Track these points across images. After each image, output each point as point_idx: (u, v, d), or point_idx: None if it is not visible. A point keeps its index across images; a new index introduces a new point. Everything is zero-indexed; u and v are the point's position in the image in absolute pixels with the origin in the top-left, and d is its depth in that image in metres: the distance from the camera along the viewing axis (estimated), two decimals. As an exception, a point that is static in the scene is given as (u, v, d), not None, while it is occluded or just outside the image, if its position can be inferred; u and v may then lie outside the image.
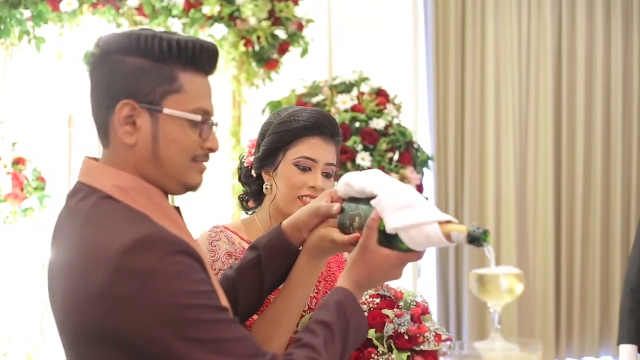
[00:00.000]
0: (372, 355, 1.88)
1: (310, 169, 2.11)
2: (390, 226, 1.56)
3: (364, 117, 4.60)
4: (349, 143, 4.48)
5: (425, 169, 4.86)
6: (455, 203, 5.88)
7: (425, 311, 1.97)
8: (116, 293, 1.39)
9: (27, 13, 4.58)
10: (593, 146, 6.11)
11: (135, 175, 1.53)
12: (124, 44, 1.52)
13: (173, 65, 1.51)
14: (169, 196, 1.60)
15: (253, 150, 2.23)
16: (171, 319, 1.38)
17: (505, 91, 5.96)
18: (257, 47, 4.78)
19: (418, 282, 5.79)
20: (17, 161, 4.60)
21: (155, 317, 1.38)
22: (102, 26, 4.64)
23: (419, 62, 5.89)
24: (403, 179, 4.51)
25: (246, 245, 2.10)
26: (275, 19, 4.79)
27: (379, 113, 4.65)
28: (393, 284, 1.88)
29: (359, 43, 5.67)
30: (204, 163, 1.58)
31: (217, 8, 4.64)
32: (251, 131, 4.60)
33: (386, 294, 1.98)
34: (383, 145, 4.55)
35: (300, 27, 4.91)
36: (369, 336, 1.87)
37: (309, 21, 4.96)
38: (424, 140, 5.75)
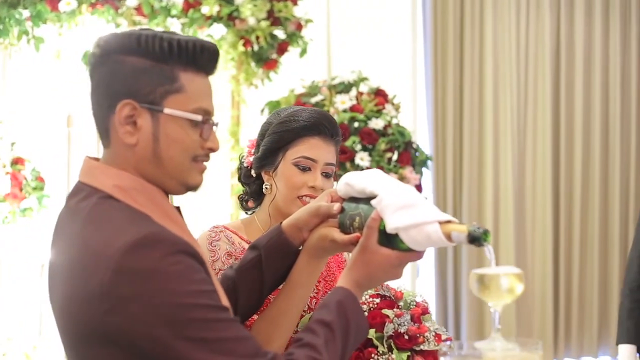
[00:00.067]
0: (372, 355, 1.88)
1: (310, 169, 2.11)
2: (390, 226, 1.56)
3: (363, 117, 4.60)
4: (348, 143, 4.48)
5: (424, 169, 4.87)
6: (454, 203, 5.89)
7: (425, 311, 1.97)
8: (117, 293, 1.39)
9: (26, 13, 4.58)
10: (591, 147, 6.11)
11: (136, 175, 1.53)
12: (125, 44, 1.52)
13: (174, 65, 1.51)
14: (169, 196, 1.60)
15: (253, 150, 2.23)
16: (172, 319, 1.38)
17: (503, 92, 5.96)
18: (256, 47, 4.78)
19: (417, 282, 5.79)
20: (16, 161, 4.60)
21: (156, 317, 1.38)
22: (101, 26, 4.64)
23: (418, 62, 5.89)
24: (402, 179, 4.52)
25: (246, 245, 2.11)
26: (274, 19, 4.79)
27: (378, 113, 4.65)
28: (393, 283, 1.89)
29: (357, 43, 5.67)
30: (205, 163, 1.58)
31: (216, 8, 4.64)
32: (250, 131, 4.60)
33: (386, 294, 1.98)
34: (382, 145, 4.56)
35: (299, 27, 4.91)
36: (369, 336, 1.87)
37: (308, 21, 4.96)
38: (423, 140, 5.75)
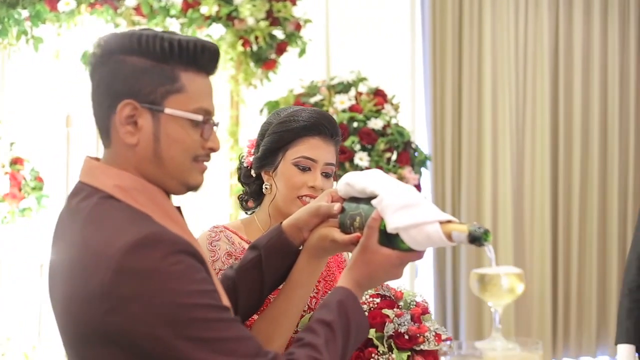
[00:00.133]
0: (373, 355, 1.88)
1: (309, 169, 2.12)
2: (391, 226, 1.56)
3: (362, 117, 4.61)
4: (347, 143, 4.49)
5: (422, 169, 4.87)
6: (453, 203, 5.89)
7: (425, 311, 1.97)
8: (118, 293, 1.39)
9: (25, 13, 4.58)
10: (590, 146, 6.12)
11: (136, 175, 1.53)
12: (125, 44, 1.51)
13: (174, 65, 1.51)
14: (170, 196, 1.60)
15: (252, 150, 2.23)
16: (173, 319, 1.38)
17: (502, 91, 5.97)
18: (255, 47, 4.78)
19: (415, 282, 5.79)
20: (15, 161, 4.61)
21: (157, 317, 1.38)
22: (100, 26, 4.65)
23: (417, 62, 5.89)
24: (401, 179, 4.52)
25: (246, 245, 2.11)
26: (273, 19, 4.79)
27: (377, 113, 4.65)
28: (392, 283, 1.89)
29: (356, 43, 5.68)
30: (205, 163, 1.58)
31: (215, 8, 4.64)
32: (249, 131, 4.61)
33: (386, 293, 1.98)
34: (381, 145, 4.56)
35: (298, 27, 4.91)
36: (370, 336, 1.87)
37: (306, 21, 4.96)
38: (421, 140, 5.75)
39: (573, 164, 6.09)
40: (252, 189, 2.24)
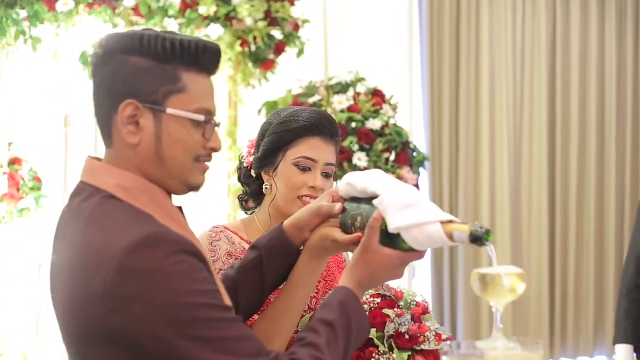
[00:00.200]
0: (373, 354, 1.88)
1: (310, 169, 2.12)
2: (392, 226, 1.57)
3: (360, 118, 4.61)
4: (346, 143, 4.49)
5: (420, 169, 4.87)
6: (450, 203, 5.89)
7: (425, 311, 1.97)
8: (120, 293, 1.39)
9: (23, 13, 4.58)
10: (587, 146, 6.13)
11: (138, 175, 1.53)
12: (127, 43, 1.51)
13: (176, 65, 1.51)
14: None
15: (252, 150, 2.23)
16: (175, 318, 1.38)
17: (499, 91, 5.97)
18: (253, 47, 4.78)
19: (413, 282, 5.80)
20: (13, 161, 4.61)
21: (159, 317, 1.38)
22: (98, 26, 4.65)
23: (414, 62, 5.90)
24: (399, 179, 4.52)
25: (246, 245, 2.11)
26: (271, 19, 4.79)
27: (375, 113, 4.65)
28: (392, 283, 1.89)
29: (354, 43, 5.68)
30: (207, 163, 1.58)
31: (213, 8, 4.64)
32: (247, 131, 4.61)
33: (386, 293, 1.98)
34: (379, 145, 4.56)
35: (296, 27, 4.92)
36: (370, 335, 1.88)
37: (304, 21, 4.97)
38: (419, 140, 5.76)
39: (570, 163, 6.10)
40: (252, 189, 2.24)
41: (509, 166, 5.98)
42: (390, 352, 1.89)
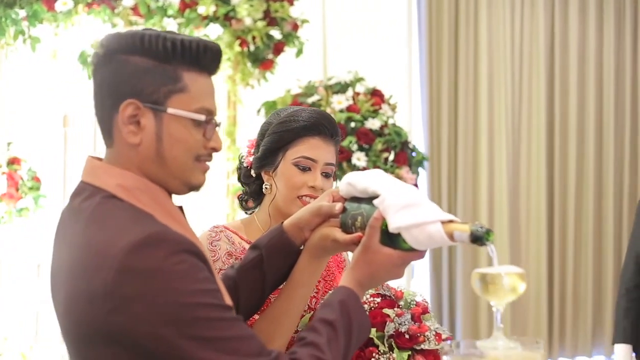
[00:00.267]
0: (373, 354, 1.88)
1: (310, 169, 2.12)
2: (393, 225, 1.57)
3: (360, 118, 4.61)
4: (345, 143, 4.49)
5: (419, 169, 4.87)
6: (449, 203, 5.90)
7: (425, 310, 1.97)
8: (121, 292, 1.39)
9: (22, 13, 4.58)
10: (585, 146, 6.13)
11: (139, 175, 1.53)
12: (128, 43, 1.51)
13: (177, 65, 1.51)
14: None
15: (252, 150, 2.23)
16: (176, 318, 1.38)
17: (498, 91, 5.98)
18: (252, 47, 4.78)
19: (412, 282, 5.80)
20: (12, 161, 4.60)
21: (161, 316, 1.38)
22: (98, 26, 4.65)
23: (413, 61, 5.90)
24: (398, 179, 4.50)
25: (246, 245, 2.11)
26: (270, 19, 4.79)
27: (375, 113, 4.65)
28: (391, 283, 1.89)
29: (353, 43, 5.68)
30: (207, 163, 1.58)
31: (212, 8, 4.64)
32: (246, 131, 4.61)
33: (387, 293, 1.98)
34: (378, 145, 4.56)
35: (295, 27, 4.91)
36: (370, 335, 1.88)
37: (304, 21, 4.97)
38: (418, 140, 5.76)
39: (569, 163, 6.11)
40: (252, 189, 2.24)
41: (508, 166, 5.98)
42: (391, 352, 1.89)
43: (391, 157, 4.65)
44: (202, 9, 4.62)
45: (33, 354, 4.56)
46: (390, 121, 4.73)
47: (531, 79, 6.08)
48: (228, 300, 1.52)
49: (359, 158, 4.49)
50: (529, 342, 1.47)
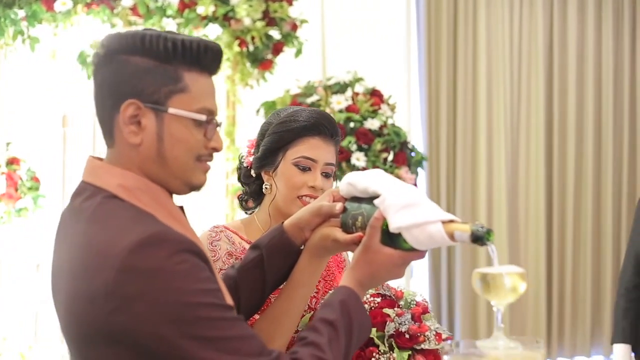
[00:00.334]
0: (374, 354, 1.89)
1: (310, 169, 2.12)
2: (393, 225, 1.57)
3: (359, 118, 4.61)
4: (344, 143, 4.49)
5: (418, 169, 4.87)
6: (447, 203, 5.90)
7: (425, 310, 1.98)
8: (122, 292, 1.39)
9: (21, 13, 4.58)
10: (584, 145, 6.14)
11: (140, 175, 1.53)
12: (129, 43, 1.51)
13: (178, 65, 1.51)
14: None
15: (252, 150, 2.23)
16: (178, 318, 1.38)
17: (497, 91, 5.98)
18: (251, 48, 4.78)
19: (411, 282, 5.80)
20: (12, 161, 4.60)
21: (162, 316, 1.38)
22: (97, 26, 4.65)
23: (412, 61, 5.90)
24: (397, 179, 4.52)
25: (246, 245, 2.11)
26: (269, 20, 4.79)
27: (374, 113, 4.65)
28: (391, 283, 1.90)
29: (352, 43, 5.68)
30: (208, 163, 1.58)
31: (211, 8, 4.64)
32: (245, 131, 4.61)
33: (387, 293, 1.99)
34: (378, 145, 4.56)
35: (294, 27, 4.92)
36: (370, 335, 1.88)
37: (303, 21, 4.97)
38: (416, 140, 5.76)
39: (567, 162, 6.11)
40: (252, 189, 2.24)
41: (507, 166, 5.98)
42: (391, 352, 1.89)
43: (390, 157, 4.66)
44: (201, 9, 4.62)
45: (32, 354, 4.55)
46: (390, 121, 4.73)
47: (530, 78, 6.08)
48: (229, 300, 1.52)
49: (358, 158, 4.49)
50: (529, 342, 1.47)
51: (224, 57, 4.66)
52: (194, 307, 1.39)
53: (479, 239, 1.49)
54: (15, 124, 4.83)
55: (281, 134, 2.13)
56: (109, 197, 1.51)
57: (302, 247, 1.79)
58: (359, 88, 4.77)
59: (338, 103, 4.65)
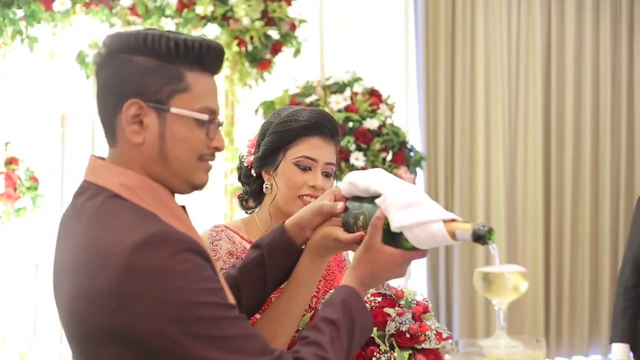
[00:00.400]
0: (375, 353, 1.89)
1: (310, 169, 2.12)
2: (395, 225, 1.57)
3: (358, 117, 4.61)
4: (343, 143, 4.49)
5: (417, 169, 4.88)
6: (446, 202, 5.91)
7: (426, 310, 1.98)
8: (124, 291, 1.39)
9: (20, 13, 4.58)
10: (582, 145, 6.15)
11: (142, 174, 1.53)
12: (131, 43, 1.52)
13: (180, 65, 1.51)
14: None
15: (253, 150, 2.24)
16: (180, 317, 1.38)
17: (495, 91, 5.99)
18: (250, 47, 4.78)
19: (409, 282, 5.81)
20: (10, 161, 4.60)
21: (164, 315, 1.38)
22: (95, 26, 4.65)
23: (410, 62, 5.91)
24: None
25: (247, 245, 2.12)
26: (268, 19, 4.79)
27: (373, 113, 4.66)
28: (391, 282, 1.90)
29: (351, 43, 5.69)
30: (210, 162, 1.59)
31: (210, 8, 4.64)
32: (244, 131, 4.61)
33: (387, 292, 1.99)
34: (377, 145, 4.57)
35: (293, 27, 4.92)
36: (371, 334, 1.88)
37: (301, 21, 4.97)
38: (415, 140, 5.77)
39: (565, 162, 6.12)
40: (252, 189, 2.25)
41: (505, 166, 5.99)
42: (392, 351, 1.90)
43: (389, 157, 4.66)
44: (199, 9, 4.62)
45: (31, 354, 4.55)
46: (388, 121, 4.73)
47: (528, 78, 6.09)
48: (231, 299, 1.52)
49: (357, 158, 4.50)
50: (530, 341, 1.48)
51: (223, 57, 4.68)
52: (196, 306, 1.40)
53: (480, 238, 1.49)
54: (14, 124, 4.83)
55: (282, 133, 2.13)
56: (111, 196, 1.51)
57: (303, 247, 1.79)
58: (357, 88, 4.77)
59: (337, 103, 4.65)
